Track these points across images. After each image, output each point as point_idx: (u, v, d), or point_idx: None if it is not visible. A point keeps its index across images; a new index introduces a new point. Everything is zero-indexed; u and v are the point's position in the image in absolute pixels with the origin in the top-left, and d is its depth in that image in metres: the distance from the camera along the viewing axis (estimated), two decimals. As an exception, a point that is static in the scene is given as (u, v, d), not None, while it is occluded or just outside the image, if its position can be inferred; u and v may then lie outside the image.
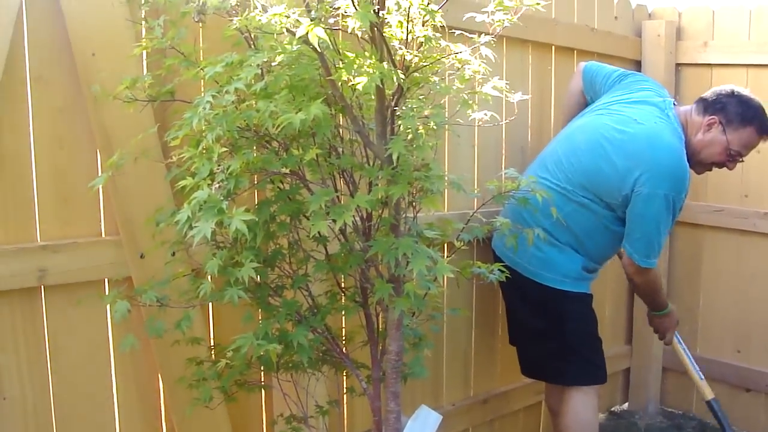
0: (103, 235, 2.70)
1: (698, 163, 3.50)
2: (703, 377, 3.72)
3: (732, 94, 3.52)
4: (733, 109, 3.47)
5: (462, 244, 2.63)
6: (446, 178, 2.31)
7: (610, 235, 3.46)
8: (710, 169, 3.61)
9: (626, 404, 5.18)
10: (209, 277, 2.21)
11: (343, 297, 2.66)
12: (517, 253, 3.49)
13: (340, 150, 2.41)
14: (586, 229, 3.44)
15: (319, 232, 2.29)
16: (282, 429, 2.78)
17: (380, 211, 2.34)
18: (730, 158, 3.51)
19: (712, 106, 3.51)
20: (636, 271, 3.47)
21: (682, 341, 3.79)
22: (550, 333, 3.62)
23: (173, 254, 2.56)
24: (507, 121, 3.32)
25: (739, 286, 4.58)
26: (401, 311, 2.27)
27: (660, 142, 3.31)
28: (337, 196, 2.25)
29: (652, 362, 5.02)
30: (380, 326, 2.61)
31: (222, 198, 2.01)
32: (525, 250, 3.47)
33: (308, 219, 2.11)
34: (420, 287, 2.27)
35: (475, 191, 3.31)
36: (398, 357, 2.37)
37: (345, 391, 3.04)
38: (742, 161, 3.57)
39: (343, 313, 2.79)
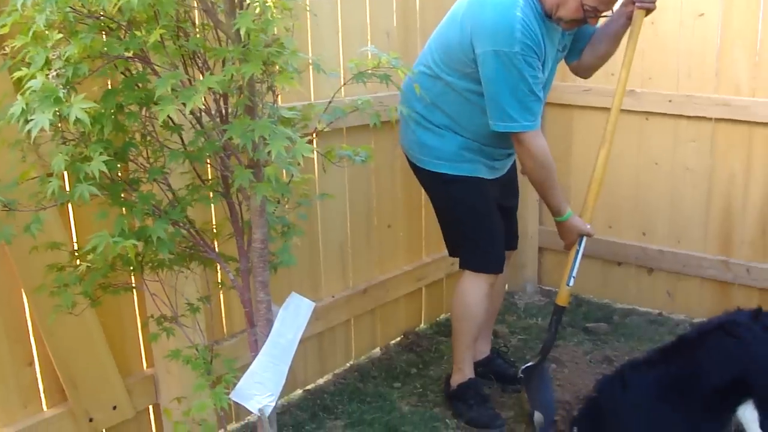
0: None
1: (559, 19, 3.26)
2: (571, 284, 3.63)
3: None
4: None
5: (324, 126, 2.55)
6: (304, 56, 2.21)
7: (482, 111, 3.33)
8: (578, 25, 3.35)
9: (505, 285, 5.26)
10: (66, 177, 2.09)
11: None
12: (404, 139, 3.58)
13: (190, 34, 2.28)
14: (457, 108, 3.40)
15: (172, 120, 2.20)
16: (155, 330, 2.70)
17: (238, 96, 2.23)
18: (588, 14, 3.22)
19: None
20: (512, 139, 3.35)
21: (581, 249, 3.64)
22: (440, 216, 3.69)
23: (24, 159, 2.41)
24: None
25: (608, 165, 4.67)
26: (263, 197, 2.19)
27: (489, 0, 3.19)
28: (189, 80, 2.14)
29: (528, 242, 5.12)
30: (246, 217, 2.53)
31: (61, 87, 1.88)
32: (408, 136, 3.55)
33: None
34: (281, 171, 2.20)
35: (341, 74, 3.23)
36: (263, 245, 2.31)
37: (219, 285, 2.98)
38: (608, 16, 3.37)
39: (212, 206, 2.71)
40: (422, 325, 4.72)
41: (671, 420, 3.05)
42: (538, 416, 3.48)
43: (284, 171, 2.23)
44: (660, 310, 4.87)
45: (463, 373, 3.75)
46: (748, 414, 2.99)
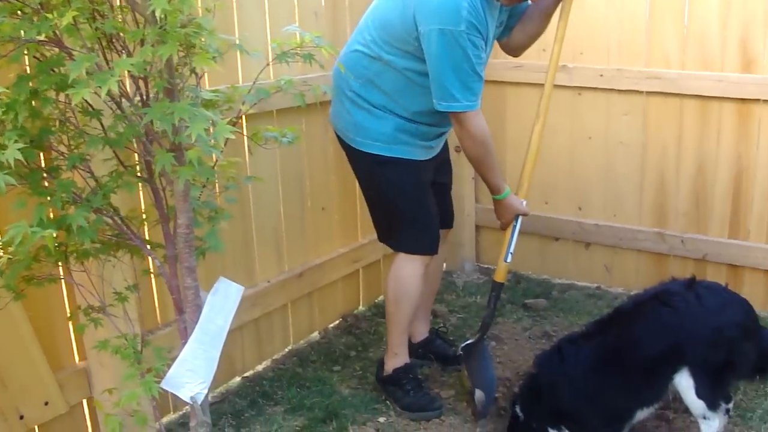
0: None
1: None
2: (508, 261, 3.63)
3: None
4: None
5: (249, 107, 2.50)
6: (224, 37, 2.17)
7: (422, 90, 3.29)
8: (519, 1, 3.37)
9: (443, 265, 5.26)
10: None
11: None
12: (337, 119, 3.51)
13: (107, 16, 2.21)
14: (395, 87, 3.33)
15: (90, 105, 2.14)
16: (83, 321, 2.63)
17: (159, 79, 2.17)
18: None
19: None
20: (452, 119, 3.32)
21: (518, 225, 3.64)
22: (372, 198, 3.62)
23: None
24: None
25: (543, 141, 4.69)
26: (186, 181, 2.15)
27: None
28: (108, 63, 2.08)
29: (465, 221, 5.12)
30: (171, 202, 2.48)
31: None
32: (342, 116, 3.47)
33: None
34: (204, 154, 2.15)
35: (268, 55, 3.18)
36: (189, 230, 2.26)
37: (147, 273, 2.92)
38: None
39: (140, 193, 2.64)
40: (360, 307, 4.71)
41: (609, 391, 3.07)
42: (479, 394, 3.47)
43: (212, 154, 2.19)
44: (598, 283, 4.92)
45: (398, 357, 3.72)
46: (683, 381, 3.03)
